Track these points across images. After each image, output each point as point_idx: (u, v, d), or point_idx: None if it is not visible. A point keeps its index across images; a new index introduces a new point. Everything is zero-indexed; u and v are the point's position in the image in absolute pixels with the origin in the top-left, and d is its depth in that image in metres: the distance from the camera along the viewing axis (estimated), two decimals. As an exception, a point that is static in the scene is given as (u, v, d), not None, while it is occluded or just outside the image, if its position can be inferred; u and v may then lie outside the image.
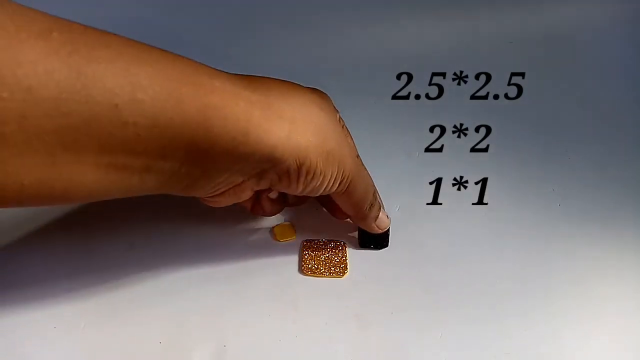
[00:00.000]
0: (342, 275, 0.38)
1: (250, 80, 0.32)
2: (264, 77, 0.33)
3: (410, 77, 0.56)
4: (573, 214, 0.43)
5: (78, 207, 0.41)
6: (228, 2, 0.62)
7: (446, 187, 0.45)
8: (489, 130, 0.51)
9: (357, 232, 0.40)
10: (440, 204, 0.43)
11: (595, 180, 0.46)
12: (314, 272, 0.38)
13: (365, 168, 0.37)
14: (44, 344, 0.33)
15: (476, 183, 0.45)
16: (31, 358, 0.32)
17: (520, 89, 0.56)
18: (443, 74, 0.57)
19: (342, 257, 0.39)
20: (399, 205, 0.43)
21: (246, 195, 0.33)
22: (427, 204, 0.43)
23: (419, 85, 0.55)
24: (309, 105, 0.33)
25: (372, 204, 0.37)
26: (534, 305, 0.37)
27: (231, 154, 0.29)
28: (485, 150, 0.49)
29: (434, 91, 0.55)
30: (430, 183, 0.45)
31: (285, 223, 0.41)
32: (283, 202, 0.39)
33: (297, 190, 0.33)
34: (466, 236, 0.41)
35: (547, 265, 0.40)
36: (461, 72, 0.57)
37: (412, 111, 0.52)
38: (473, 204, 0.44)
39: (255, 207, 0.38)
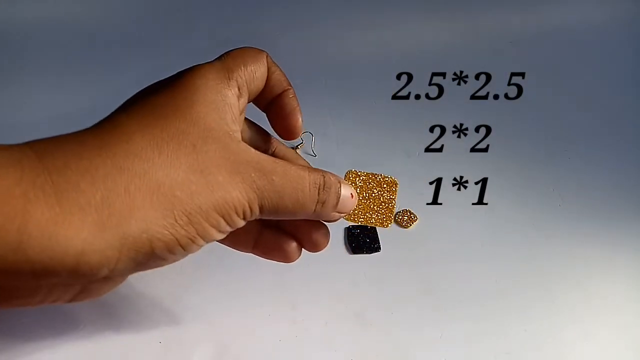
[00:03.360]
0: (388, 224, 0.34)
1: (43, 148, 0.22)
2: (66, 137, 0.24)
3: (410, 77, 0.56)
4: (573, 214, 0.43)
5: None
6: (229, 2, 0.62)
7: (446, 187, 0.45)
8: (489, 130, 0.51)
9: (345, 238, 0.40)
10: (440, 204, 0.43)
11: (595, 180, 0.46)
12: (357, 218, 0.33)
13: (287, 164, 0.27)
14: (44, 343, 0.33)
15: (476, 183, 0.45)
16: (31, 358, 0.32)
17: (520, 89, 0.56)
18: (443, 74, 0.57)
19: (391, 201, 0.34)
20: (399, 205, 0.43)
21: (113, 286, 0.25)
22: (427, 204, 0.43)
23: (419, 85, 0.55)
24: (127, 160, 0.23)
25: (323, 200, 0.28)
26: (534, 305, 0.37)
27: (19, 271, 0.20)
28: (485, 150, 0.49)
29: (434, 91, 0.55)
30: (430, 183, 0.45)
31: None
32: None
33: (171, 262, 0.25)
34: (466, 236, 0.41)
35: (547, 265, 0.40)
36: (461, 72, 0.57)
37: (412, 111, 0.52)
38: (473, 204, 0.44)
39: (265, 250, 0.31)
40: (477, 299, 0.37)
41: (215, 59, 0.29)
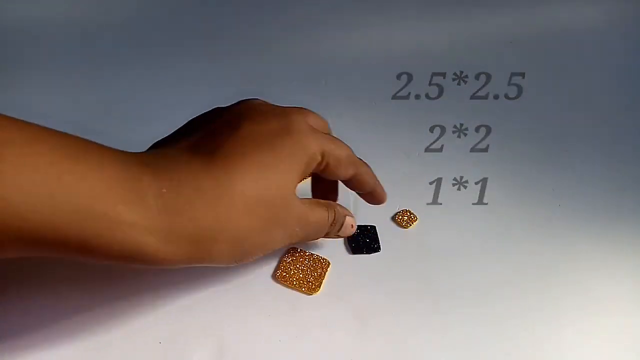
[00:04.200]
0: (312, 292, 0.37)
1: (157, 179, 0.27)
2: (181, 161, 0.28)
3: (410, 77, 0.56)
4: (573, 214, 0.43)
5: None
6: (229, 2, 0.62)
7: (446, 187, 0.45)
8: (489, 130, 0.51)
9: (345, 239, 0.40)
10: (440, 204, 0.43)
11: (595, 180, 0.46)
12: (285, 281, 0.37)
13: (316, 209, 0.33)
14: (44, 343, 0.33)
15: (476, 183, 0.45)
16: (31, 358, 0.32)
17: (520, 89, 0.56)
18: (443, 74, 0.57)
19: (318, 276, 0.37)
20: (398, 205, 0.43)
21: None
22: (427, 204, 0.43)
23: (419, 85, 0.55)
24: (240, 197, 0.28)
25: (331, 230, 0.35)
26: (534, 305, 0.37)
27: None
28: (485, 150, 0.49)
29: (434, 91, 0.55)
30: (430, 183, 0.45)
31: None
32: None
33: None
34: (466, 236, 0.41)
35: (547, 265, 0.40)
36: (461, 72, 0.57)
37: (412, 111, 0.52)
38: (473, 204, 0.44)
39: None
40: (477, 299, 0.37)
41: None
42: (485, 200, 0.44)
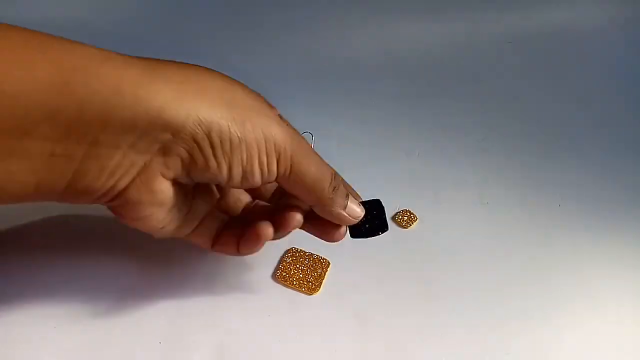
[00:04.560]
0: (312, 292, 0.37)
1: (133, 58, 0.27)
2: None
3: (410, 77, 0.56)
4: (573, 214, 0.43)
5: (79, 211, 0.41)
6: (229, 1, 0.62)
7: (446, 187, 0.45)
8: (489, 130, 0.51)
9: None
10: (440, 204, 0.43)
11: (594, 180, 0.46)
12: (285, 281, 0.37)
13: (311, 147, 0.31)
14: (44, 344, 0.33)
15: (476, 183, 0.45)
16: (31, 358, 0.32)
17: (520, 89, 0.56)
18: (443, 74, 0.57)
19: (318, 276, 0.38)
20: (398, 206, 0.43)
21: (163, 188, 0.28)
22: (427, 204, 0.43)
23: (419, 85, 0.55)
24: (206, 73, 0.28)
25: (335, 187, 0.31)
26: (533, 306, 0.37)
27: (109, 121, 0.25)
28: (485, 150, 0.49)
29: (434, 91, 0.55)
30: (430, 183, 0.45)
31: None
32: (255, 238, 0.32)
33: (224, 174, 0.28)
34: (466, 236, 0.41)
35: (547, 265, 0.40)
36: (461, 72, 0.57)
37: (412, 111, 0.52)
38: (473, 204, 0.44)
39: (217, 245, 0.33)
40: (477, 299, 0.37)
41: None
42: (485, 200, 0.44)
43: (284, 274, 0.37)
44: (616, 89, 0.57)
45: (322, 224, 0.33)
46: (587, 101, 0.55)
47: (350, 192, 0.33)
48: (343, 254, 0.39)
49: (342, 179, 0.33)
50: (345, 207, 0.32)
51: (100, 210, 0.41)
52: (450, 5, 0.63)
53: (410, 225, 0.42)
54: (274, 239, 0.32)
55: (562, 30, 0.62)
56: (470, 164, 0.47)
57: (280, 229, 0.32)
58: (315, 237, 0.34)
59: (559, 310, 0.37)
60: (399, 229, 0.41)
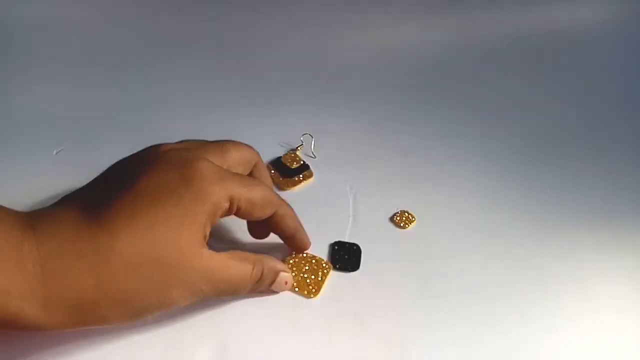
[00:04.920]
0: (312, 296, 0.37)
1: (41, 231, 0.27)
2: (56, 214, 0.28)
3: (410, 77, 0.56)
4: (572, 214, 0.43)
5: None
6: (228, 1, 0.62)
7: (446, 187, 0.45)
8: (488, 130, 0.51)
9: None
10: (439, 204, 0.44)
11: (594, 180, 0.46)
12: None
13: (235, 265, 0.32)
14: (44, 344, 0.33)
15: (475, 183, 0.45)
16: (31, 358, 0.33)
17: (520, 89, 0.56)
18: (443, 74, 0.57)
19: (319, 280, 0.37)
20: (397, 206, 0.43)
21: None
22: (425, 204, 0.43)
23: (418, 85, 0.55)
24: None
25: (256, 288, 0.34)
26: (533, 305, 0.37)
27: None
28: (485, 150, 0.49)
29: (433, 91, 0.55)
30: (429, 183, 0.45)
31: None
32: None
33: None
34: (465, 236, 0.41)
35: (547, 265, 0.40)
36: (460, 72, 0.57)
37: (412, 111, 0.52)
38: (472, 204, 0.44)
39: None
40: (476, 299, 0.37)
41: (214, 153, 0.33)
42: (484, 200, 0.44)
43: None
44: (616, 89, 0.57)
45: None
46: (587, 101, 0.55)
47: (279, 270, 0.35)
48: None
49: (265, 273, 0.34)
50: (269, 287, 0.35)
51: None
52: (450, 5, 0.63)
53: (408, 225, 0.42)
54: None
55: (562, 30, 0.62)
56: (470, 164, 0.47)
57: None
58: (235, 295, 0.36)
59: (559, 309, 0.37)
60: (397, 229, 0.42)
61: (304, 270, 0.38)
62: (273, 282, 0.35)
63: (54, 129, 0.47)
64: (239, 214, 0.32)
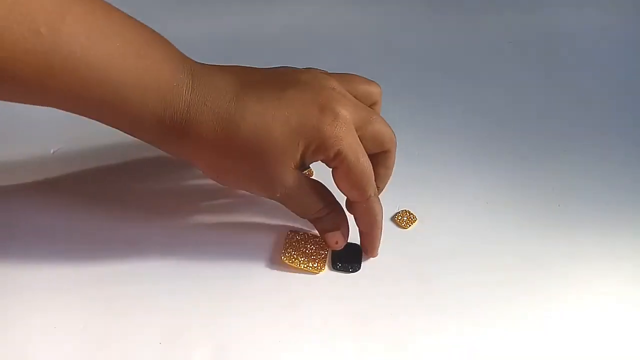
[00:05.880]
0: (318, 271, 0.38)
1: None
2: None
3: (409, 77, 0.56)
4: (573, 214, 0.43)
5: (78, 211, 0.41)
6: (228, 1, 0.62)
7: (446, 187, 0.45)
8: (488, 130, 0.51)
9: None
10: (440, 204, 0.43)
11: (594, 180, 0.46)
12: (292, 262, 0.38)
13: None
14: (44, 344, 0.33)
15: (476, 183, 0.45)
16: (31, 358, 0.32)
17: (520, 89, 0.56)
18: (443, 74, 0.57)
19: (323, 255, 0.38)
20: (398, 206, 0.43)
21: None
22: (427, 204, 0.43)
23: (418, 85, 0.55)
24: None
25: (316, 222, 0.38)
26: (533, 306, 0.37)
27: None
28: (485, 150, 0.49)
29: (433, 91, 0.55)
30: (429, 184, 0.45)
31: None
32: None
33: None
34: (466, 236, 0.41)
35: (547, 265, 0.40)
36: (460, 72, 0.57)
37: (412, 111, 0.52)
38: (473, 204, 0.44)
39: None
40: (476, 299, 0.37)
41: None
42: (485, 200, 0.44)
43: (289, 255, 0.38)
44: (616, 89, 0.57)
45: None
46: (587, 101, 0.55)
47: (340, 226, 0.38)
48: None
49: (333, 217, 0.38)
50: (325, 231, 0.38)
51: (98, 211, 0.41)
52: (450, 5, 0.63)
53: (410, 225, 0.42)
54: None
55: (562, 30, 0.62)
56: (470, 164, 0.47)
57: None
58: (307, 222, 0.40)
59: (559, 310, 0.37)
60: (399, 229, 0.41)
61: (307, 247, 0.39)
62: (329, 231, 0.38)
63: (52, 128, 0.46)
64: (334, 173, 0.36)
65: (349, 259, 0.39)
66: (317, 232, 0.39)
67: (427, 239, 0.41)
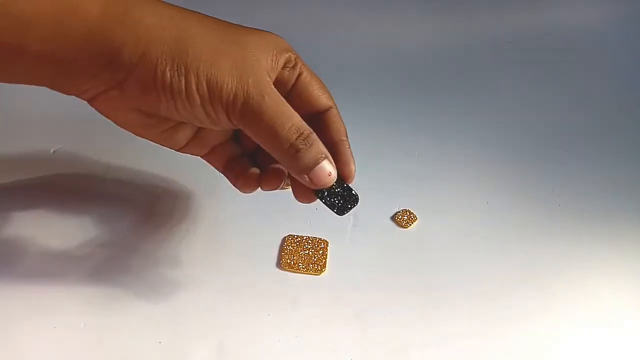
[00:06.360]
0: (320, 273, 0.38)
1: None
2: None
3: (410, 77, 0.56)
4: (573, 214, 0.43)
5: (78, 210, 0.41)
6: (230, 2, 0.62)
7: (445, 187, 0.45)
8: (488, 130, 0.51)
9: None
10: (440, 204, 0.43)
11: (594, 180, 0.46)
12: (291, 268, 0.38)
13: (285, 103, 0.30)
14: (44, 344, 0.33)
15: (476, 183, 0.45)
16: (31, 358, 0.32)
17: (520, 89, 0.56)
18: (443, 74, 0.57)
19: (322, 255, 0.39)
20: (398, 205, 0.43)
21: (124, 114, 0.31)
22: (427, 204, 0.43)
23: (418, 85, 0.55)
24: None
25: (297, 148, 0.29)
26: (533, 305, 0.37)
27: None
28: (485, 150, 0.49)
29: (433, 91, 0.55)
30: (430, 183, 0.45)
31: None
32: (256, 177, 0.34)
33: (176, 108, 0.29)
34: (466, 236, 0.41)
35: (547, 265, 0.40)
36: (461, 72, 0.57)
37: (412, 110, 0.52)
38: (473, 204, 0.44)
39: (227, 172, 0.35)
40: (476, 299, 0.37)
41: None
42: (485, 200, 0.44)
43: (289, 261, 0.38)
44: (616, 88, 0.57)
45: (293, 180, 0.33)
46: (586, 101, 0.55)
47: (326, 156, 0.31)
48: (340, 234, 0.39)
49: (313, 139, 0.30)
50: (308, 170, 0.30)
51: (99, 212, 0.41)
52: (450, 5, 0.63)
53: (410, 225, 0.42)
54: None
55: (562, 30, 0.62)
56: (470, 164, 0.47)
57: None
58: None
59: (559, 309, 0.37)
60: (399, 228, 0.41)
61: (305, 251, 0.39)
62: (315, 162, 0.30)
63: (52, 128, 0.46)
64: (299, 80, 0.33)
65: (344, 194, 0.32)
66: (312, 235, 0.39)
67: (428, 238, 0.41)
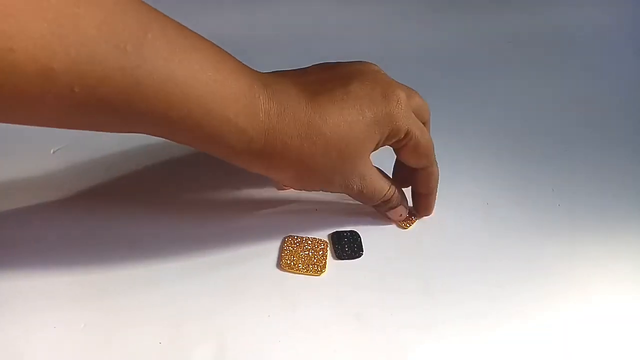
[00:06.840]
0: (320, 273, 0.38)
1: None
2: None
3: (409, 77, 0.56)
4: (573, 214, 0.43)
5: (78, 210, 0.41)
6: (227, 1, 0.62)
7: (446, 187, 0.45)
8: (488, 129, 0.51)
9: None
10: (440, 204, 0.43)
11: (594, 180, 0.46)
12: (291, 268, 0.38)
13: (381, 179, 0.39)
14: (44, 344, 0.33)
15: (476, 183, 0.45)
16: (31, 358, 0.32)
17: (520, 89, 0.56)
18: (443, 74, 0.57)
19: (321, 256, 0.39)
20: (398, 205, 0.43)
21: None
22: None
23: (418, 85, 0.55)
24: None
25: (380, 206, 0.40)
26: (533, 306, 0.37)
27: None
28: (484, 150, 0.49)
29: (433, 91, 0.55)
30: (430, 183, 0.45)
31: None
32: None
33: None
34: (466, 236, 0.41)
35: (547, 265, 0.40)
36: (461, 71, 0.57)
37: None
38: (473, 203, 0.44)
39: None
40: (476, 299, 0.37)
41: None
42: (485, 200, 0.44)
43: (289, 261, 0.38)
44: (616, 88, 0.57)
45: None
46: (587, 101, 0.55)
47: (402, 202, 0.41)
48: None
49: (394, 199, 0.40)
50: (389, 209, 0.41)
51: (99, 212, 0.41)
52: (450, 5, 0.64)
53: (410, 225, 0.42)
54: None
55: (562, 30, 0.62)
56: (470, 164, 0.47)
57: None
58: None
59: (559, 309, 0.37)
60: (399, 229, 0.41)
61: (304, 252, 0.39)
62: (393, 208, 0.40)
63: (52, 128, 0.46)
64: (402, 150, 0.38)
65: (352, 247, 0.40)
66: (311, 235, 0.40)
67: (427, 238, 0.41)
